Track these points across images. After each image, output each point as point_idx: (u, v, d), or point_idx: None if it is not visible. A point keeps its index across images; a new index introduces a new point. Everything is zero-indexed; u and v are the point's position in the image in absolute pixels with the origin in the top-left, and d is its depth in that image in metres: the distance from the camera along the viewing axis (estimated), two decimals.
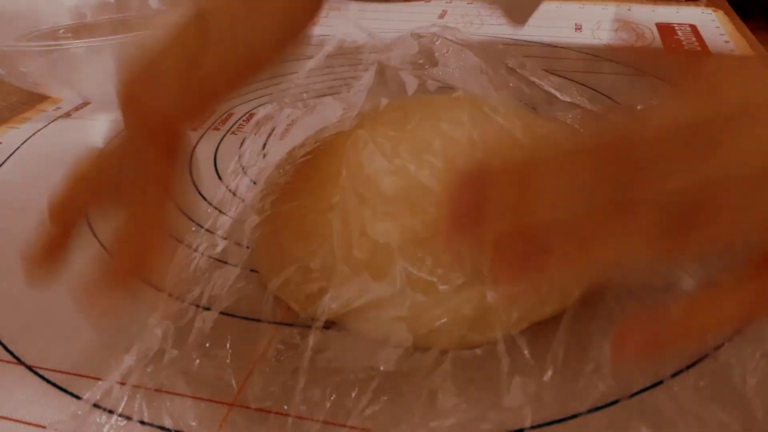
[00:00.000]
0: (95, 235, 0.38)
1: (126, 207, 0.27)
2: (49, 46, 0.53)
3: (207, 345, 0.29)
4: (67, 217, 0.29)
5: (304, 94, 0.40)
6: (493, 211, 0.18)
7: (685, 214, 0.18)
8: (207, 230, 0.37)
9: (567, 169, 0.18)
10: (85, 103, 0.57)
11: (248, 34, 0.27)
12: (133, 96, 0.26)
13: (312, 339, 0.29)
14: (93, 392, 0.27)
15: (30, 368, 0.29)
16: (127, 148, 0.28)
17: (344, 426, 0.25)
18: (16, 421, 0.26)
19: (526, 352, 0.27)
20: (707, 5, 0.78)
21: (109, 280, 0.26)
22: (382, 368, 0.27)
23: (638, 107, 0.21)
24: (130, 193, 0.27)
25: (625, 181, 0.18)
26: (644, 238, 0.18)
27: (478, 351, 0.27)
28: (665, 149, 0.18)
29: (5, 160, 0.47)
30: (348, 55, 0.66)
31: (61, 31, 0.62)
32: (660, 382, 0.26)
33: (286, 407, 0.26)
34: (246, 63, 0.28)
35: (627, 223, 0.18)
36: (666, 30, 0.70)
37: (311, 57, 0.53)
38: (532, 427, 0.25)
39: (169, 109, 0.26)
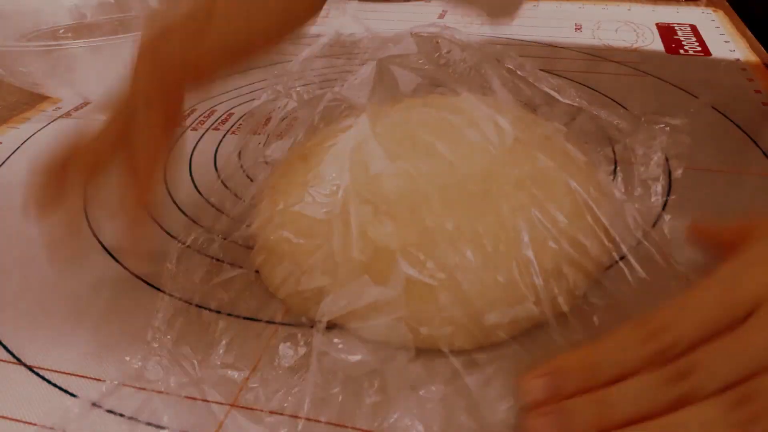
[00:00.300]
0: (96, 237, 0.38)
1: (127, 157, 0.30)
2: (49, 46, 0.53)
3: (206, 345, 0.29)
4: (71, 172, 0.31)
5: (298, 87, 0.40)
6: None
7: (743, 402, 0.20)
8: (207, 230, 0.37)
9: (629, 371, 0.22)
10: (85, 103, 0.57)
11: (249, 18, 0.30)
12: (151, 48, 0.30)
13: (312, 340, 0.29)
14: (93, 392, 0.27)
15: (30, 368, 0.29)
16: (132, 102, 0.30)
17: (347, 427, 0.25)
18: (16, 420, 0.26)
19: (533, 351, 0.27)
20: (707, 5, 0.78)
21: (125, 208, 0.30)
22: (382, 369, 0.27)
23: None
24: (135, 142, 0.30)
25: (675, 374, 0.21)
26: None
27: (478, 351, 0.27)
28: (704, 341, 0.22)
29: (5, 160, 0.47)
30: (345, 48, 0.65)
31: (61, 31, 0.62)
32: None
33: (287, 408, 0.26)
34: (244, 44, 0.31)
35: (694, 414, 0.21)
36: (666, 30, 0.70)
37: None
38: None
39: (176, 67, 0.29)
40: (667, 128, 0.38)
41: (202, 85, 0.31)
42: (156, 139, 0.30)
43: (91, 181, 0.31)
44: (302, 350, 0.28)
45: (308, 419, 0.25)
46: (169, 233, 0.38)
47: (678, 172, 0.41)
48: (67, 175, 0.31)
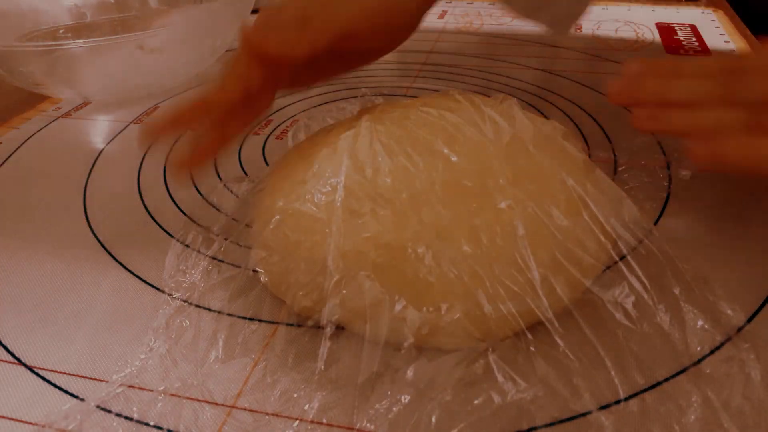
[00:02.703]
0: (96, 236, 0.38)
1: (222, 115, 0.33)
2: (49, 46, 0.53)
3: (206, 345, 0.29)
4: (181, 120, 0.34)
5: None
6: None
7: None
8: (207, 230, 0.37)
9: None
10: (85, 103, 0.57)
11: (345, 14, 0.33)
12: (257, 36, 0.32)
13: (312, 340, 0.29)
14: (93, 393, 0.27)
15: (30, 368, 0.29)
16: (237, 71, 0.33)
17: (349, 429, 0.25)
18: (16, 420, 0.26)
19: (531, 348, 0.27)
20: (707, 5, 0.78)
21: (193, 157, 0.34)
22: (383, 369, 0.27)
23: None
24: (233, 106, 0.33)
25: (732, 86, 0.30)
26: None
27: (478, 351, 0.27)
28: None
29: (5, 160, 0.48)
30: None
31: (61, 31, 0.62)
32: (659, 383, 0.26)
33: (287, 409, 0.26)
34: (341, 37, 0.33)
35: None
36: (666, 30, 0.70)
37: None
38: (534, 428, 0.25)
39: (281, 47, 0.32)
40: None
41: (295, 82, 0.34)
42: (249, 110, 0.34)
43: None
44: (302, 351, 0.29)
45: (309, 421, 0.25)
46: (168, 233, 0.38)
47: (678, 173, 0.41)
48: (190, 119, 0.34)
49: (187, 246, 0.36)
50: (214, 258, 0.34)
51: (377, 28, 0.35)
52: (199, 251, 0.35)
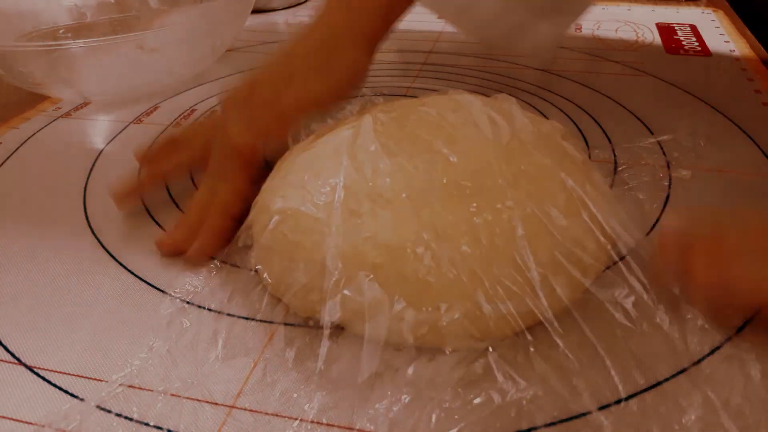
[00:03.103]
0: (96, 236, 0.38)
1: (213, 179, 0.37)
2: (49, 46, 0.53)
3: (206, 345, 0.29)
4: (155, 167, 0.41)
5: None
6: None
7: None
8: None
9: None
10: (85, 103, 0.57)
11: (319, 83, 0.37)
12: (244, 94, 0.38)
13: (312, 340, 0.29)
14: (93, 393, 0.27)
15: (30, 368, 0.29)
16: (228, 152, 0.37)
17: (349, 429, 0.25)
18: (16, 420, 0.26)
19: (531, 348, 0.27)
20: (707, 5, 0.78)
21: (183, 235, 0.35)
22: (383, 369, 0.27)
23: None
24: (223, 173, 0.37)
25: None
26: None
27: (477, 351, 0.27)
28: None
29: (5, 160, 0.48)
30: None
31: (61, 31, 0.62)
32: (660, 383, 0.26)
33: (287, 409, 0.26)
34: (314, 101, 0.38)
35: None
36: (666, 30, 0.70)
37: None
38: (533, 428, 0.25)
39: (263, 130, 0.37)
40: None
41: (283, 131, 0.37)
42: (242, 187, 0.36)
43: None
44: (302, 351, 0.29)
45: (309, 421, 0.25)
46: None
47: (678, 173, 0.41)
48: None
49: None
50: (213, 258, 0.34)
51: (339, 96, 0.39)
52: None
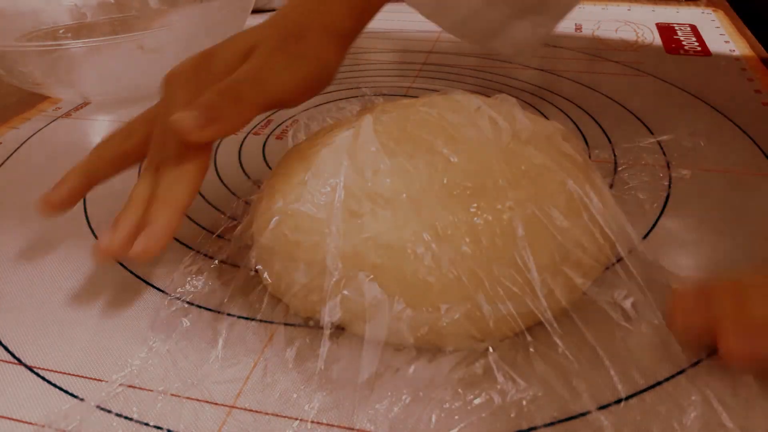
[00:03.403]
0: (96, 236, 0.38)
1: (156, 173, 0.32)
2: (49, 46, 0.53)
3: (206, 345, 0.29)
4: (92, 173, 0.35)
5: None
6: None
7: None
8: (207, 230, 0.37)
9: None
10: (85, 103, 0.57)
11: (288, 78, 0.34)
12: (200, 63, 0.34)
13: (312, 340, 0.29)
14: (93, 393, 0.27)
15: (30, 368, 0.29)
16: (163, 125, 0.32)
17: (350, 429, 0.25)
18: (16, 420, 0.26)
19: (531, 349, 0.27)
20: (707, 5, 0.78)
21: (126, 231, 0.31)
22: (383, 370, 0.27)
23: None
24: (166, 160, 0.32)
25: None
26: None
27: (477, 351, 0.27)
28: None
29: (5, 160, 0.48)
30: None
31: (61, 31, 0.62)
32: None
33: (287, 410, 0.26)
34: (281, 95, 0.34)
35: None
36: (666, 30, 0.70)
37: None
38: (533, 428, 0.25)
39: (215, 133, 0.32)
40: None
41: (238, 119, 0.33)
42: (192, 177, 0.32)
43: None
44: (303, 351, 0.29)
45: (309, 421, 0.25)
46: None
47: (678, 173, 0.41)
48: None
49: (187, 245, 0.36)
50: (213, 258, 0.34)
51: (305, 93, 0.36)
52: (198, 251, 0.35)
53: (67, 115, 0.55)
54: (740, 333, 0.26)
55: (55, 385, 0.28)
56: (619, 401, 0.25)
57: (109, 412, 0.26)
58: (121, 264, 0.35)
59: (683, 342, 0.27)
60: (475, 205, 0.28)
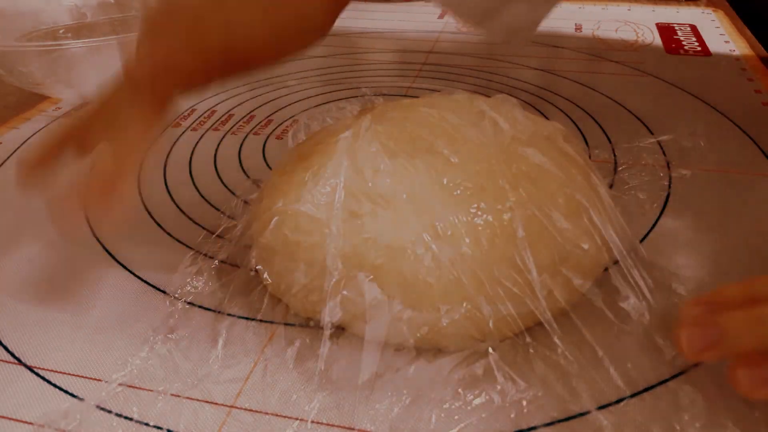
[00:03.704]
0: (96, 236, 0.38)
1: (109, 142, 0.30)
2: (49, 46, 0.53)
3: (206, 345, 0.29)
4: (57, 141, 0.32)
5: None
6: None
7: None
8: (207, 230, 0.37)
9: None
10: (85, 103, 0.57)
11: (255, 25, 0.29)
12: (155, 28, 0.29)
13: (312, 340, 0.29)
14: (93, 393, 0.27)
15: (30, 368, 0.29)
16: (124, 94, 0.31)
17: (350, 429, 0.25)
18: (16, 420, 0.26)
19: (531, 350, 0.27)
20: (707, 5, 0.78)
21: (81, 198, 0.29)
22: (384, 370, 0.27)
23: None
24: (117, 130, 0.30)
25: None
26: None
27: (477, 352, 0.27)
28: None
29: (5, 160, 0.48)
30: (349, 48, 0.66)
31: (61, 31, 0.62)
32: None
33: (287, 410, 0.26)
34: (244, 52, 0.30)
35: None
36: (666, 30, 0.70)
37: None
38: (533, 428, 0.25)
39: (172, 65, 0.29)
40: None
41: (194, 87, 0.31)
42: (139, 130, 0.30)
43: (78, 158, 0.32)
44: (303, 351, 0.29)
45: (309, 421, 0.25)
46: (168, 233, 0.38)
47: (678, 173, 0.41)
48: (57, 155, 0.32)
49: (187, 246, 0.36)
50: (213, 258, 0.34)
51: (281, 48, 0.30)
52: (198, 251, 0.35)
53: (67, 115, 0.55)
54: (754, 375, 0.23)
55: (54, 385, 0.28)
56: (619, 401, 0.25)
57: (109, 412, 0.26)
58: (122, 264, 0.35)
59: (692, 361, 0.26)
60: (476, 205, 0.28)
